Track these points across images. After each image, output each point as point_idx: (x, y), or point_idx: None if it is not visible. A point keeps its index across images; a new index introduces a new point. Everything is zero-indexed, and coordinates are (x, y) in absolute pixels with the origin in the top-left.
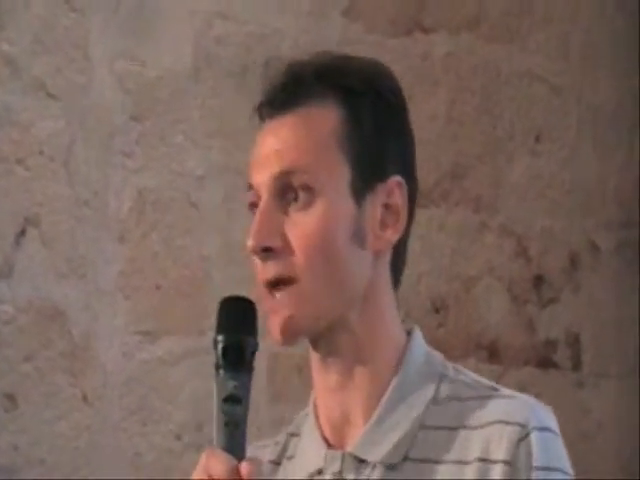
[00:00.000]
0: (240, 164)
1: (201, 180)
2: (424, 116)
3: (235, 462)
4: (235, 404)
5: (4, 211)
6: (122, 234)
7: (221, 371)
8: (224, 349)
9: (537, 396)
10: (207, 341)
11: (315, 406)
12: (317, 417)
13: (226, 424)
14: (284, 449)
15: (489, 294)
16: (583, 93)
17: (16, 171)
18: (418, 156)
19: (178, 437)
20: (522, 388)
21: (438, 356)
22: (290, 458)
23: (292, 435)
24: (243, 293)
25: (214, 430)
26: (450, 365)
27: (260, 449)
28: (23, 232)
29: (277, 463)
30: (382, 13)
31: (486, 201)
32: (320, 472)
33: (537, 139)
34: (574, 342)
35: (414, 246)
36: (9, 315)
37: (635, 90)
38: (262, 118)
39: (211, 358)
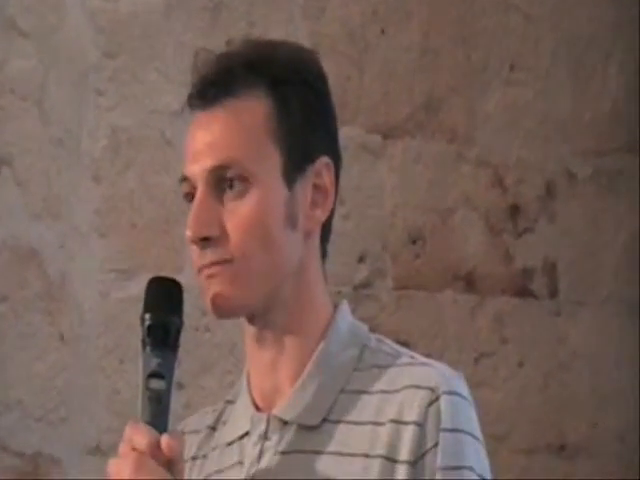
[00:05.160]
0: None
1: (176, 117)
2: (398, 48)
3: (157, 435)
4: (158, 380)
5: None
6: (97, 173)
7: (147, 348)
8: (149, 327)
9: (515, 325)
10: (184, 279)
11: (248, 375)
12: (249, 385)
13: (149, 399)
14: (220, 415)
15: (465, 225)
16: (557, 22)
17: None
18: (393, 88)
19: None
20: (499, 317)
21: (363, 327)
22: (225, 423)
23: (229, 402)
24: None
25: (139, 404)
26: (373, 336)
27: (202, 415)
28: None
29: (213, 428)
30: None
31: (461, 132)
32: (247, 434)
33: (512, 68)
34: (551, 270)
35: (390, 178)
36: None
37: (610, 19)
38: (193, 109)
39: (188, 295)
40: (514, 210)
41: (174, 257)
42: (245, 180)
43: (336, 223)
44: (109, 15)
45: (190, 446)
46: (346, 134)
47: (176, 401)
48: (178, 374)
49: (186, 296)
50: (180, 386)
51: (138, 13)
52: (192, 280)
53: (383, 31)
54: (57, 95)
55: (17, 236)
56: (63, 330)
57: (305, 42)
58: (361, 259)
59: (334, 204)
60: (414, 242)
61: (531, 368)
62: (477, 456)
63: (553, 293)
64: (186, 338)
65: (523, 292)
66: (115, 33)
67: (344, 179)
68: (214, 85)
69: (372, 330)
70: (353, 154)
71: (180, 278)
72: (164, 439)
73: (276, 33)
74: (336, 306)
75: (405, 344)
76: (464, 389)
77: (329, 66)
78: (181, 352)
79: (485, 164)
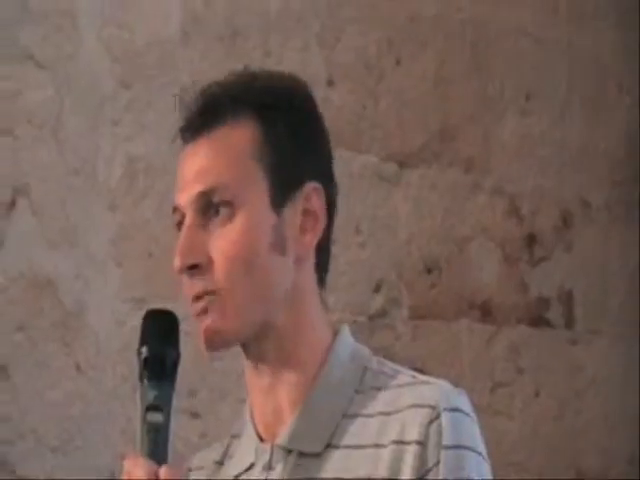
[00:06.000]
0: None
1: None
2: (413, 77)
3: (155, 467)
4: (156, 413)
5: None
6: (113, 202)
7: (144, 380)
8: (145, 360)
9: (531, 355)
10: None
11: (250, 407)
12: (252, 417)
13: (148, 431)
14: (227, 450)
15: (481, 254)
16: (573, 50)
17: (5, 141)
18: (408, 116)
19: None
20: (515, 347)
21: (365, 351)
22: (230, 457)
23: (234, 437)
24: None
25: (137, 437)
26: (375, 359)
27: (209, 452)
28: (13, 202)
29: (220, 463)
30: None
31: (477, 161)
32: (252, 466)
33: (527, 98)
34: (567, 300)
35: (406, 207)
36: (0, 285)
37: (624, 48)
38: (183, 143)
39: None
40: (530, 239)
41: None
42: (231, 205)
43: (352, 252)
44: (124, 44)
45: None
46: (361, 163)
47: (192, 430)
48: (193, 403)
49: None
50: (195, 416)
51: (153, 42)
52: None
53: (398, 60)
54: (73, 125)
55: (33, 265)
56: (79, 359)
57: (320, 71)
58: (377, 288)
59: (330, 232)
60: (430, 271)
61: (547, 397)
62: (480, 472)
63: (569, 322)
64: (200, 367)
65: (539, 321)
66: (130, 62)
67: (360, 208)
68: (200, 116)
69: (387, 359)
70: (368, 183)
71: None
72: (162, 471)
73: (291, 61)
74: (336, 332)
75: (420, 373)
76: (466, 405)
77: (344, 95)
78: (196, 381)
79: (501, 193)
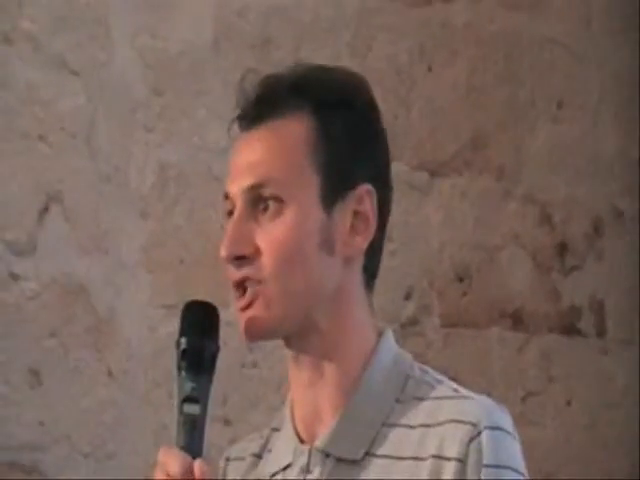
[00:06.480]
0: None
1: (223, 153)
2: (444, 85)
3: (189, 460)
4: (193, 404)
5: (27, 188)
6: (144, 209)
7: (182, 372)
8: (183, 352)
9: (562, 364)
10: (231, 314)
11: (291, 402)
12: (292, 413)
13: (184, 423)
14: (266, 443)
15: (513, 262)
16: (604, 59)
17: (38, 147)
18: (440, 125)
19: None
20: (546, 356)
21: (407, 357)
22: (269, 451)
23: (274, 430)
24: None
25: (175, 429)
26: (417, 366)
27: (248, 442)
28: (46, 209)
29: (259, 456)
30: None
31: (509, 169)
32: (289, 466)
33: (559, 106)
34: (598, 309)
35: (437, 215)
36: (33, 291)
37: None
38: (239, 128)
39: (234, 331)
40: (562, 248)
41: (221, 293)
42: (280, 200)
43: (383, 260)
44: (157, 52)
45: (235, 474)
46: (393, 171)
47: (223, 437)
48: (225, 410)
49: (232, 332)
50: (227, 422)
51: (186, 50)
52: None
53: (430, 68)
54: (105, 132)
55: (66, 272)
56: (111, 365)
57: None
58: (408, 296)
59: (382, 236)
60: (461, 279)
61: (578, 407)
62: None
63: (601, 331)
64: (233, 374)
65: (570, 330)
66: (163, 70)
67: (391, 216)
68: (257, 106)
69: None
70: (400, 191)
71: (227, 314)
72: (196, 464)
73: None
74: (380, 335)
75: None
76: (507, 423)
77: None
78: (228, 388)
79: (532, 202)
